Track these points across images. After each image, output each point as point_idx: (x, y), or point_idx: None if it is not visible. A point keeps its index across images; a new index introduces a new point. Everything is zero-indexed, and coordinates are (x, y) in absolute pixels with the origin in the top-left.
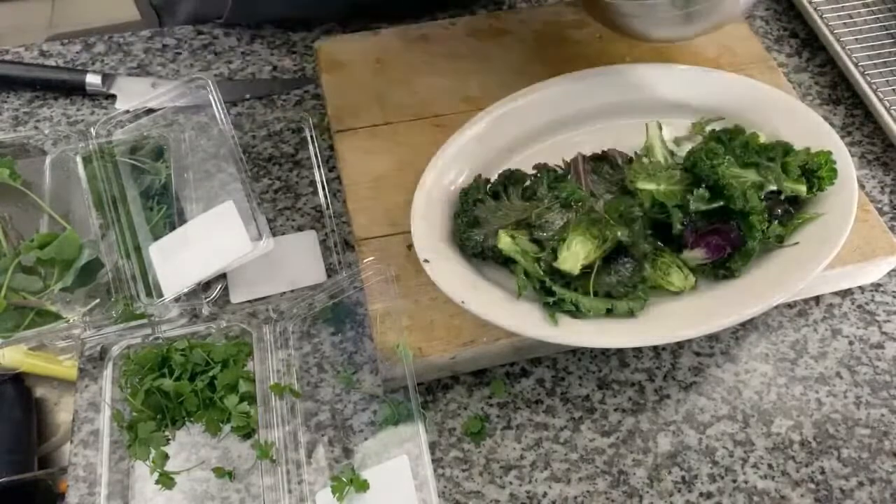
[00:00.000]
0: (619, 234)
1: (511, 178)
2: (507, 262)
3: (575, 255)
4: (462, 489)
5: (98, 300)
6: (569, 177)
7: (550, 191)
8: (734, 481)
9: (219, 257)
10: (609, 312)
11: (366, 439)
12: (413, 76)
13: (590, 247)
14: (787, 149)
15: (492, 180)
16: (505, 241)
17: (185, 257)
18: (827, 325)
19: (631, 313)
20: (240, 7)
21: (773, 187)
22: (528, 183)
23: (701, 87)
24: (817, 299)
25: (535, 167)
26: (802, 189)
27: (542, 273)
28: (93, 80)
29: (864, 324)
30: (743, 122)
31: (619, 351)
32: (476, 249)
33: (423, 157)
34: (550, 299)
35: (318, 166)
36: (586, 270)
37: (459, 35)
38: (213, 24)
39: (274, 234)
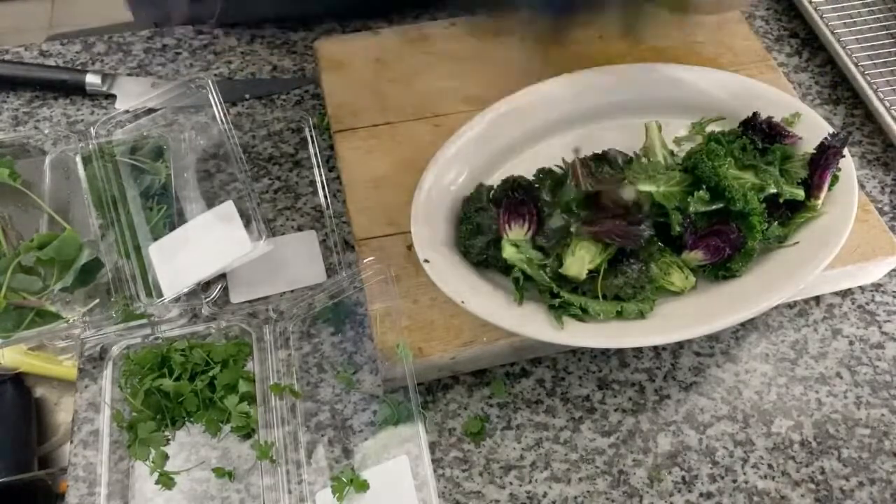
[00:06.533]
0: None
1: (513, 185)
2: (509, 269)
3: (580, 259)
4: (462, 489)
5: (98, 300)
6: (568, 181)
7: (552, 196)
8: (734, 481)
9: (219, 257)
10: (619, 315)
11: (366, 439)
12: (413, 76)
13: (594, 251)
14: (786, 153)
15: (492, 182)
16: (509, 251)
17: (184, 257)
18: (827, 325)
19: (641, 315)
20: (230, 7)
21: (773, 190)
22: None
23: (701, 87)
24: (817, 299)
25: (536, 172)
26: (801, 194)
27: (548, 280)
28: (93, 80)
29: (864, 324)
30: None
31: (619, 351)
32: (480, 257)
33: (423, 157)
34: (556, 301)
35: (318, 166)
36: (593, 274)
37: (459, 35)
38: (211, 24)
39: (274, 234)
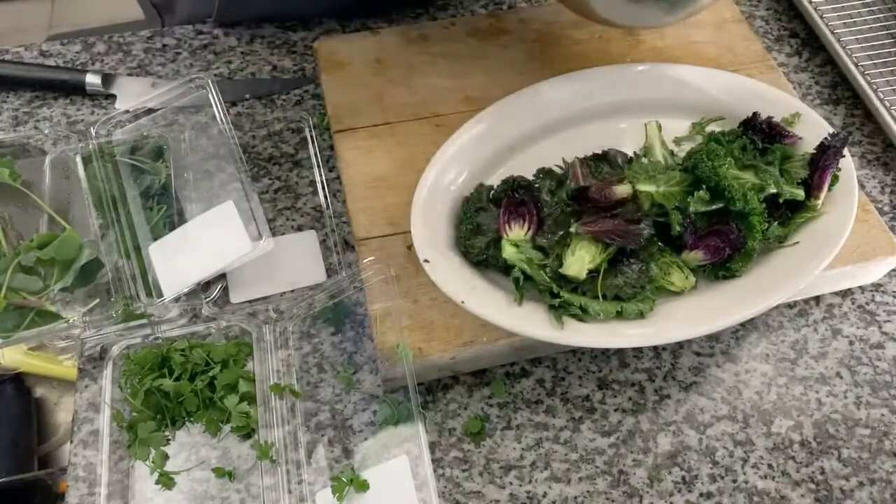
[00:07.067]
0: None
1: (513, 185)
2: (508, 269)
3: (580, 259)
4: (462, 489)
5: (98, 300)
6: (568, 181)
7: (552, 196)
8: (734, 481)
9: (219, 257)
10: (619, 315)
11: (366, 439)
12: (413, 76)
13: (594, 250)
14: (786, 153)
15: (492, 182)
16: (509, 251)
17: (184, 257)
18: (827, 325)
19: (641, 315)
20: (230, 6)
21: (773, 190)
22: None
23: (701, 87)
24: (817, 299)
25: (536, 172)
26: (801, 194)
27: (548, 280)
28: (93, 80)
29: (864, 324)
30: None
31: (619, 351)
32: (480, 257)
33: (423, 157)
34: (556, 301)
35: (318, 166)
36: (593, 274)
37: (459, 35)
38: (213, 23)
39: (274, 234)
